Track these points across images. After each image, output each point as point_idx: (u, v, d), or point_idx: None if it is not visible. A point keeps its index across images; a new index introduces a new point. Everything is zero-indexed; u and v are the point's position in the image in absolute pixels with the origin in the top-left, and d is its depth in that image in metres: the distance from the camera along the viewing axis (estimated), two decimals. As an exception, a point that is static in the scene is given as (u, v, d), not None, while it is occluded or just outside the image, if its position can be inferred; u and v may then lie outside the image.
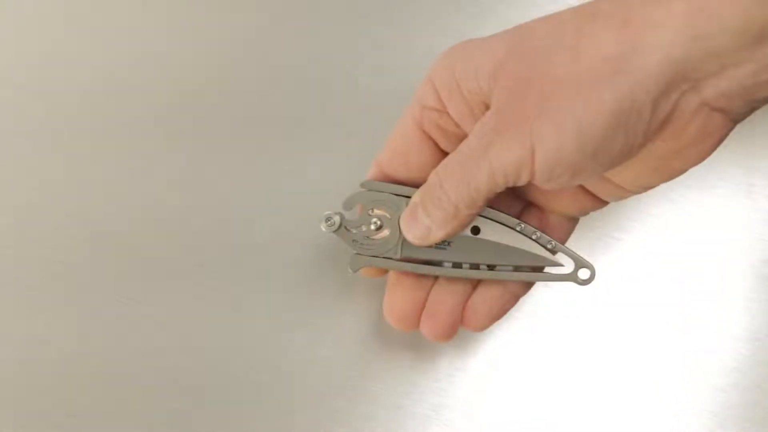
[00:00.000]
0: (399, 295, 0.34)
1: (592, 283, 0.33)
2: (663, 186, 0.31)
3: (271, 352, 0.38)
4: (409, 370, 0.38)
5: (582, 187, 0.32)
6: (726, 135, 0.28)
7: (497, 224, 0.32)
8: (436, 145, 0.33)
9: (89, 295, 0.38)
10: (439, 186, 0.31)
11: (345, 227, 0.33)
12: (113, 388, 0.38)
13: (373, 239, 0.33)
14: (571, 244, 0.34)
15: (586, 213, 0.34)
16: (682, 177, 0.30)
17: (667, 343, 0.39)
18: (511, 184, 0.29)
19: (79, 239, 0.39)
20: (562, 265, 0.33)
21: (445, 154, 0.32)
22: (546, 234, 0.32)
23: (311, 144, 0.40)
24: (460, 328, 0.34)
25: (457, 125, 0.31)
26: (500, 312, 0.34)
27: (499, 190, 0.30)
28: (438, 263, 0.33)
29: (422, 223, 0.32)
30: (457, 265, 0.33)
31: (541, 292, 0.39)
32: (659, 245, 0.39)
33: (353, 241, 0.33)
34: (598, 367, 0.38)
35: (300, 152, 0.40)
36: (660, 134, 0.28)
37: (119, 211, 0.39)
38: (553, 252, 0.33)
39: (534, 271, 0.33)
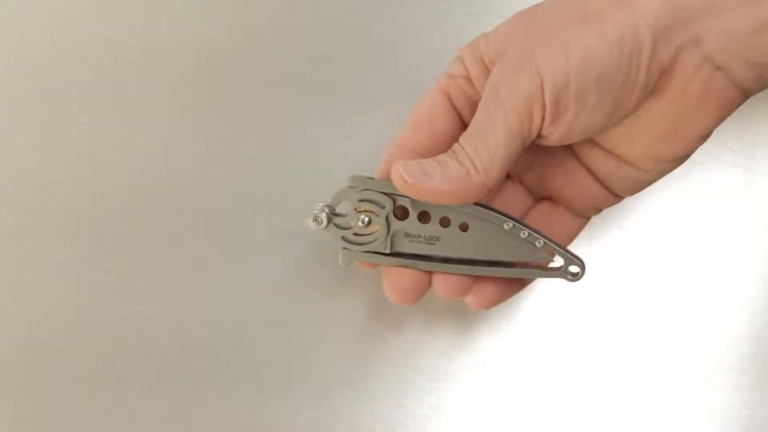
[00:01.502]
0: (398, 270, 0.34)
1: (583, 279, 0.33)
2: (662, 183, 0.32)
3: (271, 351, 0.38)
4: (409, 370, 0.38)
5: (594, 176, 0.33)
6: (730, 101, 0.29)
7: (486, 222, 0.32)
8: (460, 118, 0.33)
9: (89, 294, 0.38)
10: (458, 145, 0.31)
11: (334, 224, 0.33)
12: (113, 388, 0.38)
13: (362, 235, 0.33)
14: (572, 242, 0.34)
15: (597, 209, 0.34)
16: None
17: (668, 342, 0.39)
18: (526, 133, 0.30)
19: (79, 239, 0.39)
20: (551, 261, 0.33)
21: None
22: (538, 232, 0.32)
23: (311, 143, 0.40)
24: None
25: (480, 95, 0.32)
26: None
27: (516, 148, 0.30)
28: (427, 258, 0.33)
29: (425, 169, 0.30)
30: (446, 261, 0.33)
31: (540, 291, 0.39)
32: (659, 244, 0.39)
33: (342, 237, 0.33)
34: (597, 367, 0.38)
35: (300, 151, 0.40)
36: (663, 89, 0.29)
37: (119, 210, 0.39)
38: (543, 249, 0.32)
39: (524, 267, 0.33)
